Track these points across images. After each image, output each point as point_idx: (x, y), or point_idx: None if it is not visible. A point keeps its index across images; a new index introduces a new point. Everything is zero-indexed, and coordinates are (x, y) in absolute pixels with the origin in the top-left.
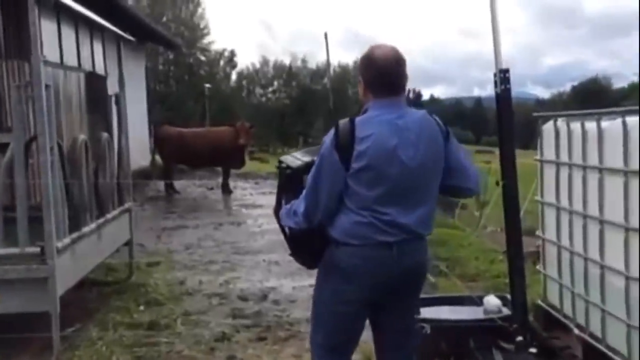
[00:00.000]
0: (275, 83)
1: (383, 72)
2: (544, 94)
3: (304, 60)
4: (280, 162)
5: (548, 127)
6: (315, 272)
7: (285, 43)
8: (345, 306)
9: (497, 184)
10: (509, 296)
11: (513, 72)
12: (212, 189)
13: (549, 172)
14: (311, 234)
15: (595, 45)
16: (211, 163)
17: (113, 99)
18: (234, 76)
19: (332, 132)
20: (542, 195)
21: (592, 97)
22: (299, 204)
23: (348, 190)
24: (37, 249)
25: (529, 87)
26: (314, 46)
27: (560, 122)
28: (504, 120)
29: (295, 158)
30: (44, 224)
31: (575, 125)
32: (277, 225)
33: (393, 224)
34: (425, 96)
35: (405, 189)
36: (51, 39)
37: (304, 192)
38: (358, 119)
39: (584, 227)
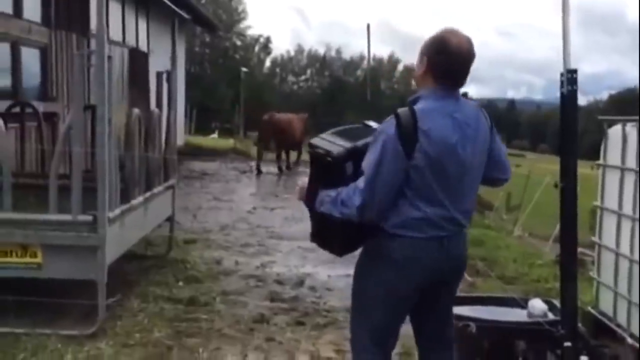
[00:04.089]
0: (309, 72)
1: (453, 61)
2: (580, 100)
3: (338, 51)
4: (313, 146)
5: (614, 132)
6: (350, 260)
7: (319, 32)
8: (395, 298)
9: (556, 186)
10: (554, 301)
11: (550, 77)
12: (245, 172)
13: (612, 177)
14: (353, 224)
15: (635, 54)
16: (294, 146)
17: (164, 75)
18: (267, 62)
19: (392, 121)
20: (602, 201)
21: (629, 107)
22: (352, 196)
23: (409, 183)
24: (89, 218)
25: None
26: (347, 37)
27: (629, 127)
28: (568, 122)
29: (331, 142)
30: (98, 193)
31: None
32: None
33: (447, 218)
34: None
35: (460, 183)
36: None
37: (360, 183)
38: (419, 109)
39: None
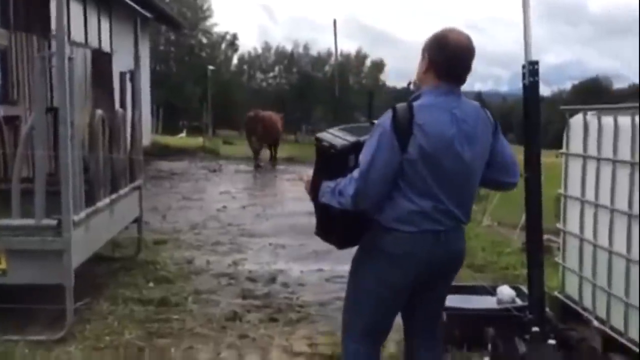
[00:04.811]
0: (277, 69)
1: (454, 58)
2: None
3: (305, 47)
4: (319, 139)
5: (576, 121)
6: (321, 256)
7: (286, 28)
8: (388, 291)
9: (521, 175)
10: (522, 287)
11: (515, 69)
12: (214, 171)
13: (575, 165)
14: (351, 215)
15: (597, 44)
16: (274, 142)
17: (128, 75)
18: (235, 60)
19: (389, 114)
20: (565, 189)
21: (592, 96)
22: (348, 185)
23: (404, 176)
24: (54, 222)
25: None
26: (315, 33)
27: (590, 116)
28: (531, 113)
29: (336, 136)
30: (62, 197)
31: (607, 119)
32: (282, 209)
33: (445, 213)
34: None
35: (458, 179)
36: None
37: (355, 173)
38: (416, 104)
39: (611, 221)
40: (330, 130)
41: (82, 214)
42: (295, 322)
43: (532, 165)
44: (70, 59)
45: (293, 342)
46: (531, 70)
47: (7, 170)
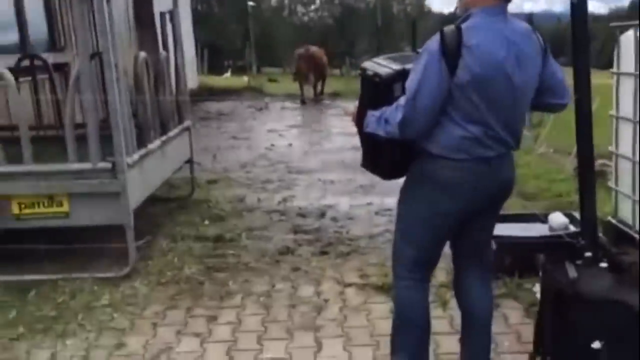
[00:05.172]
0: (318, 1)
1: None
2: (601, 8)
3: None
4: (363, 69)
5: (627, 38)
6: (369, 190)
7: None
8: (440, 218)
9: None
10: (575, 214)
11: None
12: (260, 109)
13: (627, 85)
14: (398, 144)
15: None
16: (323, 77)
17: (167, 16)
18: None
19: (436, 37)
20: (617, 110)
21: None
22: (394, 112)
23: (453, 102)
24: (109, 165)
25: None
26: None
27: None
28: (579, 31)
29: (381, 65)
30: (114, 140)
31: None
32: (329, 145)
33: (496, 139)
34: None
35: (509, 103)
36: None
37: (401, 100)
38: (464, 26)
39: None
40: (376, 59)
41: (135, 156)
42: (346, 255)
43: (582, 86)
44: (109, 0)
45: (344, 274)
46: None
47: (61, 116)
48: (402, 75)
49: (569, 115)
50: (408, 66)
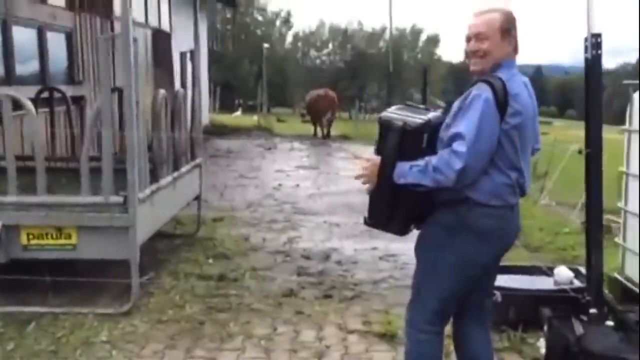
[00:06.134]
0: (330, 45)
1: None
2: (609, 63)
3: (360, 23)
4: (387, 119)
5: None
6: (373, 234)
7: (340, 4)
8: (473, 269)
9: (580, 152)
10: (580, 268)
11: (576, 39)
12: (269, 149)
13: (637, 142)
14: (421, 196)
15: None
16: (333, 119)
17: (188, 55)
18: (289, 37)
19: (484, 87)
20: (627, 166)
21: None
22: (450, 161)
23: (498, 149)
24: (120, 199)
25: None
26: (369, 9)
27: None
28: (593, 88)
29: (402, 115)
30: (127, 174)
31: None
32: (336, 187)
33: (520, 185)
34: None
35: (529, 150)
36: None
37: (458, 147)
38: (503, 76)
39: None
40: (392, 110)
41: (147, 191)
42: (349, 300)
43: (594, 141)
44: (134, 40)
45: (347, 319)
46: (594, 43)
47: (76, 149)
48: (428, 126)
49: (572, 167)
50: (431, 116)
